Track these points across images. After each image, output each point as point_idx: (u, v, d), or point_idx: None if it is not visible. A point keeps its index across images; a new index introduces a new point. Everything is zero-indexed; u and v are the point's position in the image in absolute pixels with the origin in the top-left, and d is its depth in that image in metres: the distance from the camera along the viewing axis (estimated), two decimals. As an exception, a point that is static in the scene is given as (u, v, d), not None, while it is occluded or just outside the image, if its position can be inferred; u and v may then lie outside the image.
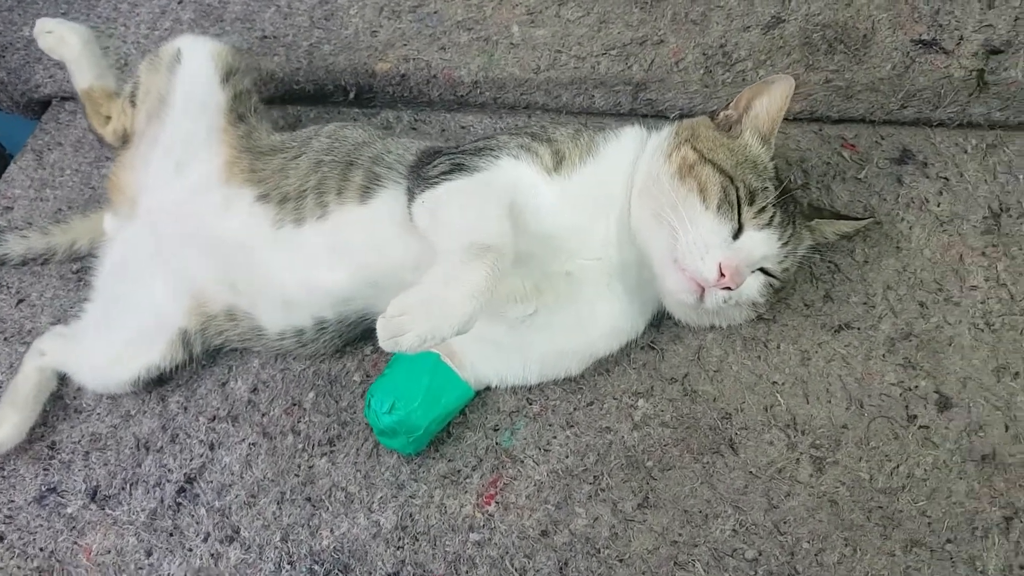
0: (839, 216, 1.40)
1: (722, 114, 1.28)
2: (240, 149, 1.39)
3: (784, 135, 1.62)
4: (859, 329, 1.34)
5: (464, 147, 1.27)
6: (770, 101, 1.24)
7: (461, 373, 1.29)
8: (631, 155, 1.26)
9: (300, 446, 1.39)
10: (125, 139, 1.62)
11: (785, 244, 1.20)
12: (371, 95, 1.74)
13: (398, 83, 1.71)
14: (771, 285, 1.23)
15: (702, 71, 1.55)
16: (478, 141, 1.36)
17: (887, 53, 1.49)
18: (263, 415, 1.45)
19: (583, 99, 1.63)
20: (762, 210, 1.18)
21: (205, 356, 1.51)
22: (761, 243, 1.17)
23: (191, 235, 1.35)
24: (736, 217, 1.15)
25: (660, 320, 1.35)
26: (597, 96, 1.66)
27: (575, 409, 1.33)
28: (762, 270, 1.20)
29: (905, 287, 1.36)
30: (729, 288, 1.13)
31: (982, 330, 1.31)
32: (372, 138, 1.47)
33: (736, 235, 1.15)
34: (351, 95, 1.74)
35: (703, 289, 1.15)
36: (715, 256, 1.12)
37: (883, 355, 1.31)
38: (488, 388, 1.34)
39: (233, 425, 1.45)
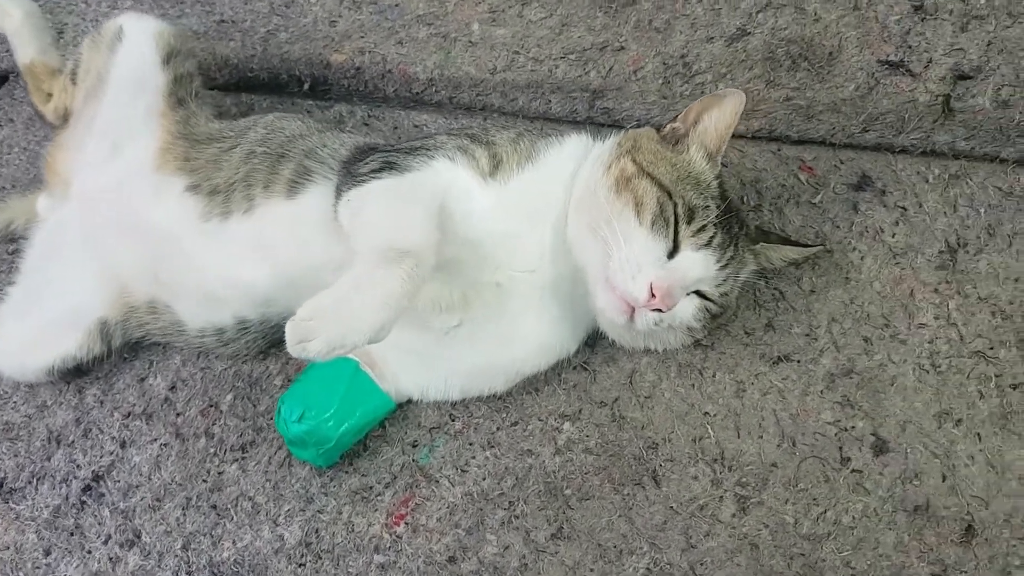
0: (787, 241, 1.28)
1: (669, 127, 1.22)
2: (176, 135, 1.34)
3: (740, 152, 1.55)
4: (799, 362, 1.27)
5: (399, 146, 1.22)
6: (720, 116, 1.18)
7: (381, 384, 1.22)
8: (572, 164, 1.20)
9: (212, 450, 1.32)
10: (65, 118, 1.57)
11: (724, 267, 1.13)
12: (326, 87, 1.68)
13: (353, 76, 1.65)
14: (707, 310, 1.16)
15: (660, 81, 1.49)
16: (415, 140, 1.29)
17: (852, 73, 1.42)
18: (178, 415, 1.39)
19: (540, 104, 1.56)
20: (701, 229, 1.11)
21: (127, 349, 1.44)
22: (697, 264, 1.10)
23: (119, 222, 1.29)
24: (672, 235, 1.09)
25: (595, 340, 1.28)
26: (554, 101, 1.58)
27: (498, 429, 1.26)
28: (699, 293, 1.14)
29: (851, 320, 1.29)
30: (660, 310, 1.07)
31: (927, 371, 1.24)
32: (309, 131, 1.40)
33: (671, 254, 1.09)
34: (305, 86, 1.68)
35: (633, 309, 1.08)
36: (647, 275, 1.06)
37: (821, 391, 1.24)
38: (410, 401, 1.27)
39: (147, 423, 1.38)
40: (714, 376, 1.28)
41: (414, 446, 1.26)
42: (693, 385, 1.27)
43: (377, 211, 1.09)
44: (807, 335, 1.29)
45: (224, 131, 1.35)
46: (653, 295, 1.05)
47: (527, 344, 1.22)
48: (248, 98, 1.71)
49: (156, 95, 1.37)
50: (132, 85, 1.37)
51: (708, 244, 1.11)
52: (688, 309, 1.14)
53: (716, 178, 1.18)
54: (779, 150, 1.49)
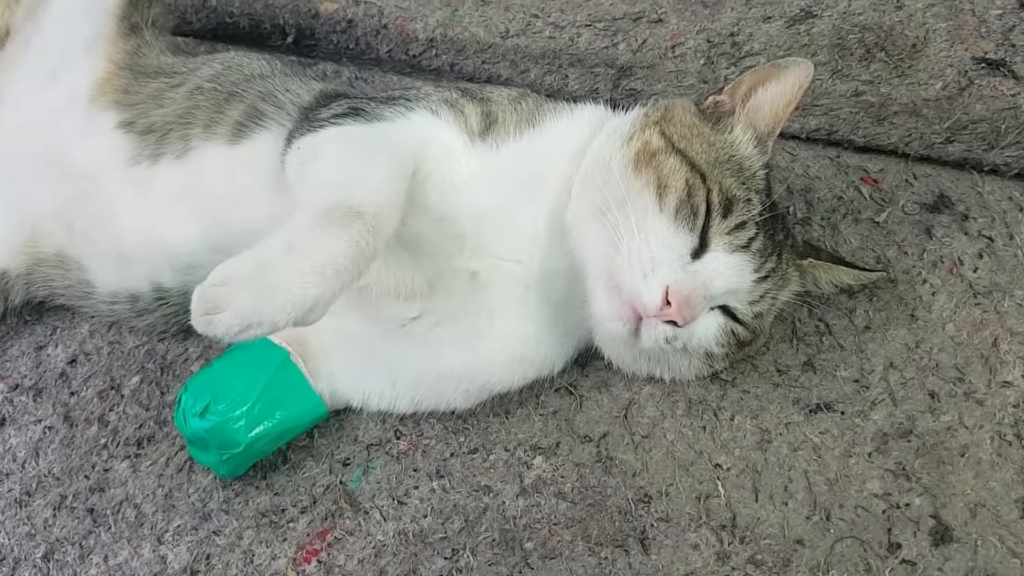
0: (841, 261, 1.05)
1: (711, 99, 1.00)
2: (122, 66, 1.16)
3: (791, 155, 1.29)
4: (843, 414, 1.03)
5: (375, 95, 1.06)
6: (778, 91, 0.96)
7: (315, 382, 1.01)
8: (583, 136, 0.99)
9: (103, 441, 1.09)
10: (3, 37, 1.32)
11: (762, 279, 0.92)
12: (312, 42, 1.48)
13: (343, 30, 1.45)
14: (734, 333, 0.94)
15: (702, 61, 1.27)
16: (394, 90, 1.08)
17: (939, 69, 1.19)
18: (72, 394, 1.14)
19: (555, 78, 1.33)
20: (739, 226, 0.90)
21: (29, 311, 1.22)
22: (729, 270, 0.89)
23: (42, 157, 1.12)
24: (700, 228, 0.88)
25: (588, 358, 1.07)
26: (572, 76, 1.33)
27: (452, 455, 1.03)
28: (725, 310, 0.93)
29: (914, 369, 1.06)
30: (675, 323, 0.86)
31: (1009, 443, 0.99)
32: (272, 72, 1.18)
33: (697, 253, 0.88)
34: (289, 38, 1.48)
35: (639, 318, 0.88)
36: (662, 276, 0.85)
37: (869, 454, 1.00)
38: (349, 409, 1.06)
39: (35, 400, 1.14)
40: (732, 420, 1.03)
41: (345, 465, 1.03)
42: (704, 428, 1.03)
43: (331, 161, 0.90)
44: (856, 381, 1.05)
45: (176, 66, 1.17)
46: (668, 302, 0.84)
47: (501, 353, 1.01)
48: (224, 48, 1.47)
49: (106, 17, 1.20)
50: (79, 2, 1.20)
51: (746, 247, 0.90)
52: (710, 328, 0.93)
53: (764, 168, 0.97)
54: (839, 156, 1.26)
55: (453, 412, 1.04)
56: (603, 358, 1.03)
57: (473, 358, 1.00)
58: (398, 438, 1.05)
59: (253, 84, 1.14)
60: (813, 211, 1.22)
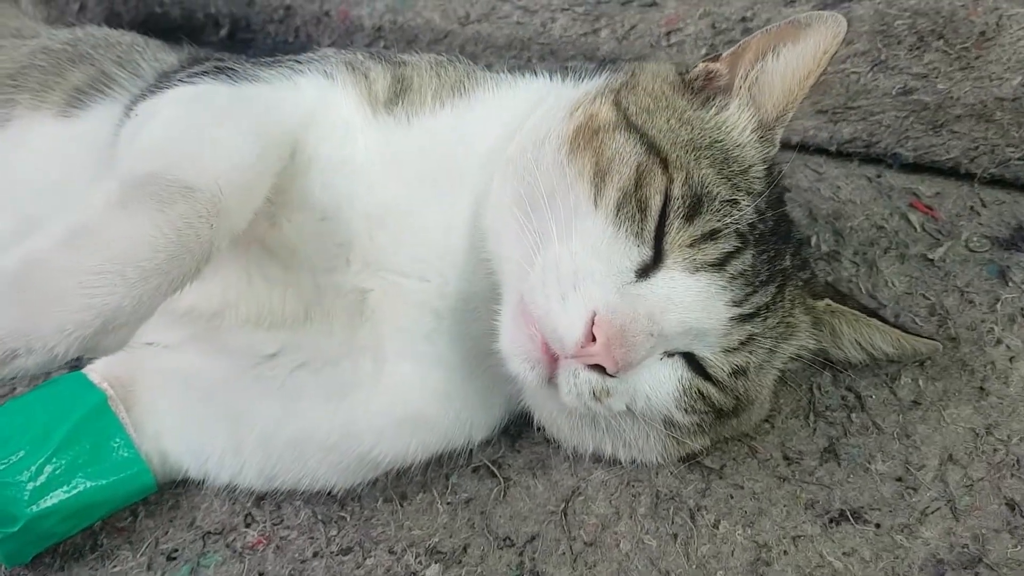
0: (874, 315, 0.77)
1: (702, 67, 0.76)
2: None
3: (816, 173, 1.00)
4: (878, 527, 0.75)
5: (257, 59, 0.82)
6: (795, 57, 0.71)
7: (140, 440, 0.77)
8: (522, 113, 0.77)
9: None
10: None
11: (745, 319, 0.67)
12: (248, 34, 1.30)
13: (281, 19, 1.27)
14: (703, 395, 0.69)
15: (704, 50, 1.04)
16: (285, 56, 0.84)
17: (1017, 61, 0.93)
18: None
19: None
20: (710, 236, 0.66)
21: None
22: (689, 297, 0.64)
23: None
24: (652, 233, 0.65)
25: (522, 428, 0.83)
26: (541, 70, 1.05)
27: (316, 555, 0.77)
28: (689, 358, 0.68)
29: (984, 465, 0.78)
30: (601, 369, 0.63)
31: None
32: (147, 46, 0.97)
33: (647, 270, 0.65)
34: (223, 30, 1.31)
35: (554, 359, 0.64)
36: (587, 297, 0.62)
37: None
38: (186, 482, 0.82)
39: None
40: (716, 527, 0.76)
41: (170, 559, 0.77)
42: (676, 537, 0.75)
43: (167, 122, 0.69)
44: (899, 480, 0.78)
45: (38, 30, 1.02)
46: (592, 337, 0.61)
47: (388, 410, 0.75)
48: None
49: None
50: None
51: (717, 266, 0.66)
52: (664, 383, 0.68)
53: (765, 164, 0.73)
54: (879, 176, 1.02)
55: (329, 493, 0.79)
56: (539, 428, 0.79)
57: (347, 416, 0.75)
58: (248, 526, 0.79)
59: (113, 50, 0.93)
60: (843, 244, 0.94)
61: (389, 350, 0.75)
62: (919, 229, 0.94)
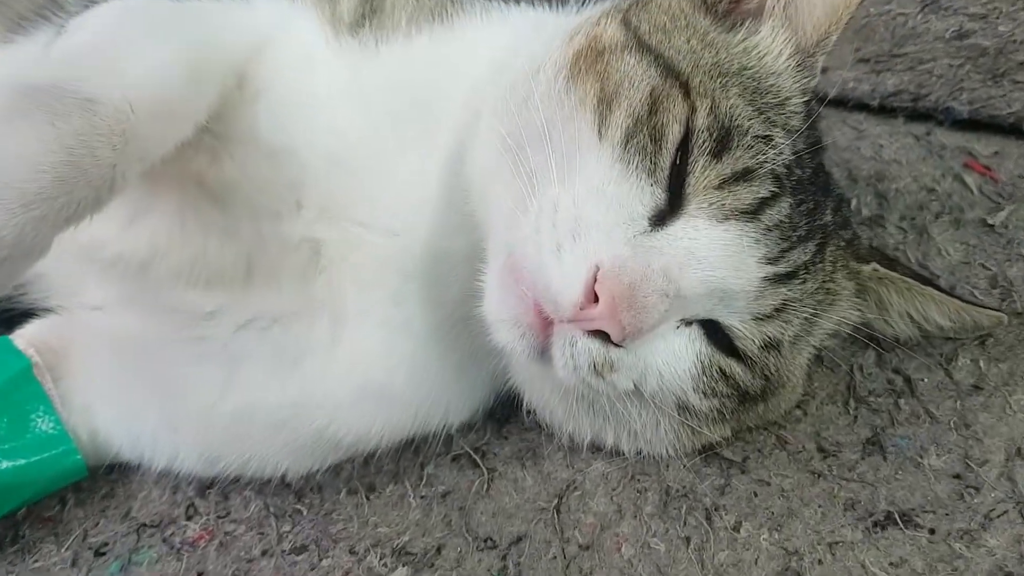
0: (928, 283, 0.66)
1: None
2: None
3: (855, 131, 0.92)
4: (932, 532, 0.62)
5: None
6: None
7: (67, 415, 0.69)
8: (515, 44, 0.67)
9: None
10: None
11: (781, 279, 0.57)
12: None
13: None
14: (726, 374, 0.59)
15: None
16: None
17: None
18: None
19: None
20: (742, 177, 0.55)
21: None
22: (715, 251, 0.54)
23: None
24: (667, 171, 0.55)
25: (511, 410, 0.72)
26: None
27: (265, 553, 0.66)
28: (709, 328, 0.58)
29: None
30: (605, 336, 0.53)
31: None
32: None
33: (662, 217, 0.55)
34: None
35: (548, 324, 0.54)
36: (590, 248, 0.53)
37: None
38: (122, 467, 0.72)
39: None
40: (737, 530, 0.64)
41: (98, 555, 0.68)
42: (688, 541, 0.64)
43: (93, 32, 0.60)
44: (957, 477, 0.66)
45: None
46: (595, 297, 0.51)
47: (345, 381, 0.66)
48: None
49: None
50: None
51: (751, 214, 0.55)
52: (680, 358, 0.58)
53: (804, 95, 0.62)
54: (929, 134, 0.90)
55: (285, 483, 0.69)
56: (530, 411, 0.70)
57: (300, 386, 0.65)
58: (189, 518, 0.69)
59: None
60: (888, 208, 0.83)
61: (348, 310, 0.65)
62: (976, 192, 0.83)
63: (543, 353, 0.54)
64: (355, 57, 0.64)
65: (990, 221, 0.80)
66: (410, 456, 0.70)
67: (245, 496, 0.69)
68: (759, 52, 0.61)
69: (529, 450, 0.70)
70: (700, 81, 0.57)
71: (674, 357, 0.57)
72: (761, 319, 0.56)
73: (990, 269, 0.76)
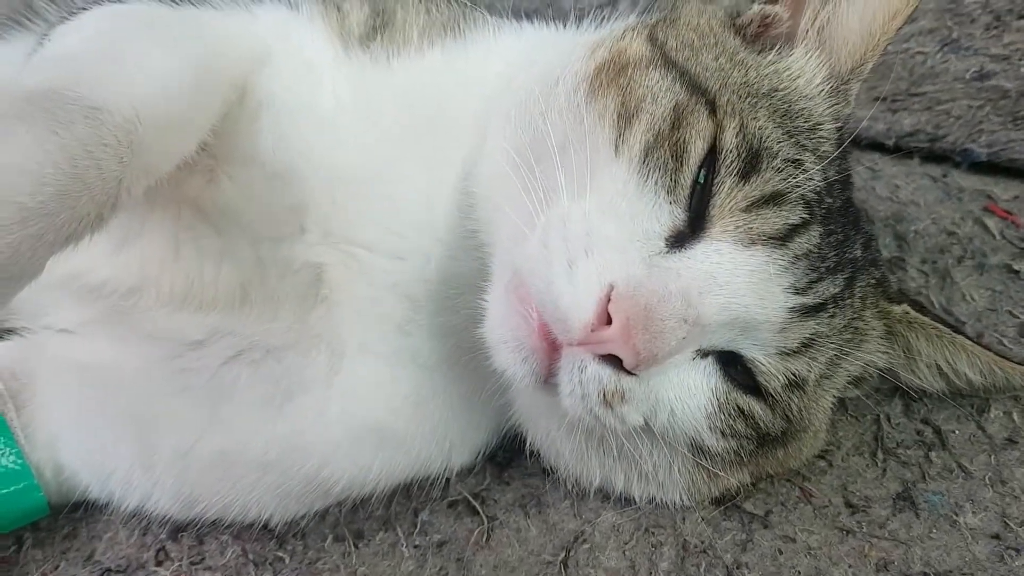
0: (957, 331, 0.60)
1: (757, 9, 0.61)
2: None
3: (870, 171, 0.86)
4: None
5: None
6: None
7: (29, 449, 0.61)
8: (528, 60, 0.62)
9: None
10: None
11: (809, 312, 0.52)
12: None
13: None
14: (746, 413, 0.53)
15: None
16: None
17: None
18: None
19: None
20: (771, 201, 0.51)
21: None
22: (742, 276, 0.49)
23: None
24: (689, 190, 0.51)
25: (512, 453, 0.66)
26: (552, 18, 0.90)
27: None
28: (729, 362, 0.53)
29: None
30: (616, 362, 0.48)
31: None
32: None
33: (682, 238, 0.51)
34: None
35: (555, 348, 0.49)
36: (603, 266, 0.48)
37: None
38: (84, 504, 0.64)
39: None
40: None
41: None
42: None
43: (88, 36, 0.55)
44: (995, 538, 0.59)
45: None
46: (608, 319, 0.46)
47: (351, 419, 0.59)
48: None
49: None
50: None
51: (781, 240, 0.51)
52: (695, 393, 0.52)
53: (837, 122, 0.58)
54: (945, 176, 0.85)
55: (266, 526, 0.62)
56: (534, 454, 0.63)
57: (292, 424, 0.59)
58: (160, 563, 0.62)
59: None
60: (908, 251, 0.77)
61: (349, 342, 0.59)
62: (998, 236, 0.78)
63: (547, 380, 0.49)
64: (365, 71, 0.60)
65: (1015, 267, 0.75)
66: (403, 501, 0.63)
67: (222, 541, 0.62)
68: (791, 74, 0.57)
69: (533, 497, 0.64)
70: (728, 100, 0.53)
71: (688, 391, 0.52)
72: (787, 354, 0.51)
73: (1018, 317, 0.71)
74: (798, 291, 0.51)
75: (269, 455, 0.57)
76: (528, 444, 0.60)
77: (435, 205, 0.59)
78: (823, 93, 0.57)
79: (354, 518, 0.63)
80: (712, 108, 0.52)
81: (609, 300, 0.46)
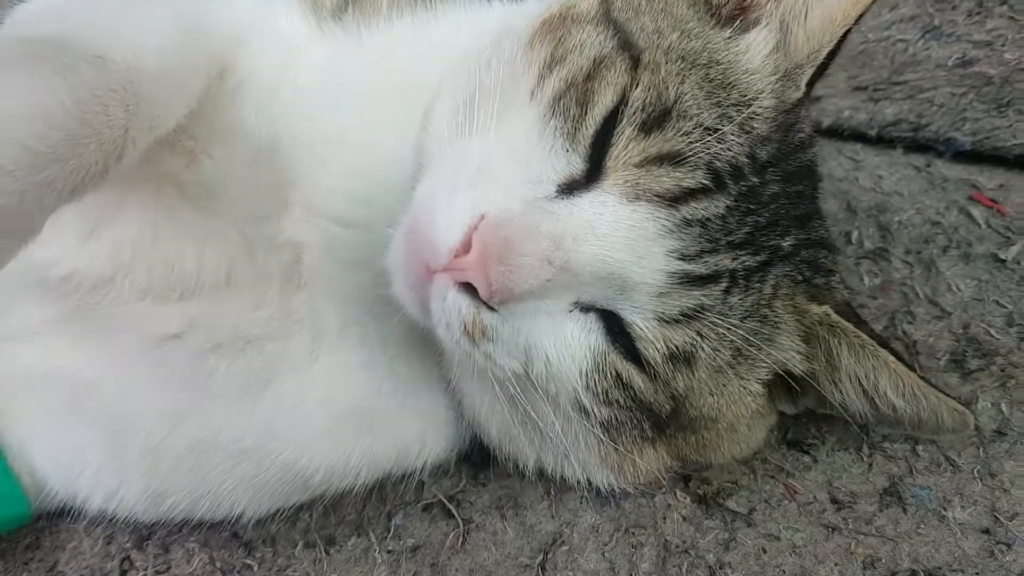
0: (884, 344, 0.54)
1: None
2: None
3: (852, 161, 0.82)
4: None
5: None
6: None
7: (11, 456, 0.58)
8: (497, 27, 0.61)
9: None
10: None
11: (696, 282, 0.50)
12: None
13: None
14: (623, 379, 0.51)
15: None
16: None
17: None
18: None
19: None
20: (669, 160, 0.50)
21: None
22: (620, 229, 0.49)
23: None
24: (587, 137, 0.50)
25: (487, 453, 0.62)
26: None
27: None
28: (609, 321, 0.51)
29: None
30: (474, 292, 0.47)
31: None
32: None
33: (572, 187, 0.50)
34: None
35: (431, 274, 0.49)
36: (484, 198, 0.48)
37: None
38: (46, 513, 0.61)
39: None
40: None
41: None
42: None
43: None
44: (985, 532, 0.58)
45: None
46: (468, 246, 0.47)
47: (331, 403, 0.57)
48: None
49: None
50: None
51: (668, 200, 0.49)
52: (570, 345, 0.51)
53: (779, 105, 0.55)
54: (929, 165, 0.83)
55: (235, 534, 0.60)
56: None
57: (269, 409, 0.56)
58: (124, 573, 0.59)
59: None
60: (892, 241, 0.75)
61: (329, 325, 0.57)
62: (984, 226, 0.76)
63: (421, 302, 0.50)
64: (338, 42, 0.60)
65: (1002, 256, 0.73)
66: (375, 504, 0.61)
67: (188, 548, 0.59)
68: (739, 49, 0.55)
69: (510, 499, 0.61)
70: (654, 59, 0.52)
71: (563, 343, 0.50)
72: (667, 322, 0.49)
73: (1005, 307, 0.69)
74: (684, 257, 0.49)
75: (244, 442, 0.55)
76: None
77: (400, 168, 0.57)
78: (767, 69, 0.55)
79: (325, 523, 0.60)
80: (635, 65, 0.51)
81: (475, 227, 0.46)
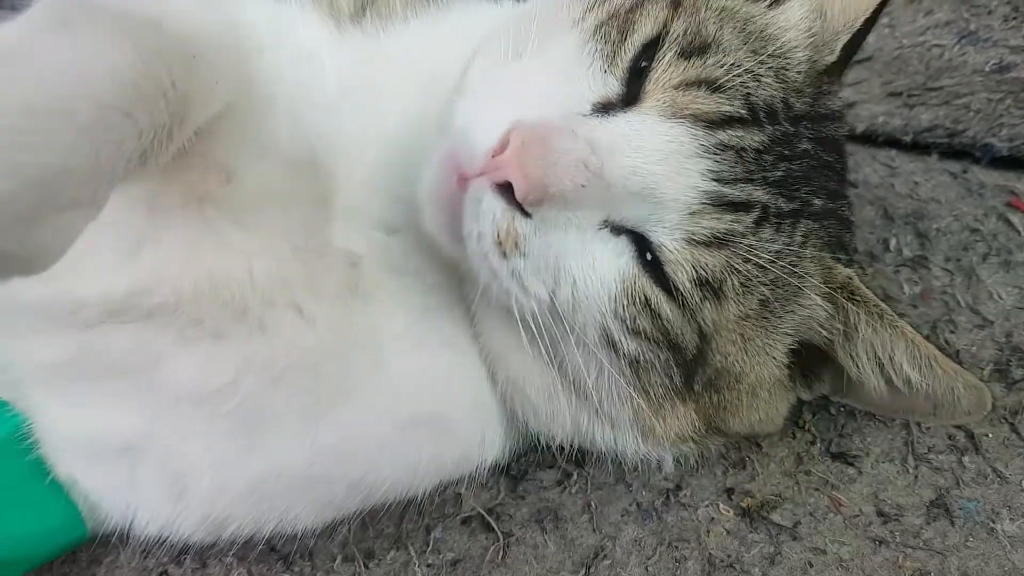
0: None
1: None
2: None
3: (887, 168, 0.80)
4: None
5: None
6: None
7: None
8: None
9: None
10: None
11: (730, 207, 0.50)
12: None
13: None
14: (651, 305, 0.50)
15: None
16: None
17: None
18: None
19: None
20: (708, 84, 0.50)
21: None
22: (655, 142, 0.48)
23: None
24: (625, 62, 0.52)
25: (527, 465, 0.63)
26: None
27: None
28: (640, 245, 0.50)
29: None
30: (510, 193, 0.47)
31: None
32: None
33: (608, 108, 0.50)
34: None
35: (464, 181, 0.49)
36: (521, 108, 0.48)
37: None
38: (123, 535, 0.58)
39: None
40: None
41: None
42: None
43: None
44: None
45: None
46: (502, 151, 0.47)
47: (399, 410, 0.56)
48: None
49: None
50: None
51: (710, 124, 0.49)
52: (600, 267, 0.50)
53: (813, 66, 0.57)
54: (965, 171, 0.82)
55: (272, 548, 0.59)
56: (550, 466, 0.62)
57: (336, 432, 0.54)
58: None
59: None
60: (931, 249, 0.73)
61: (386, 334, 0.56)
62: (1023, 232, 0.74)
63: (451, 211, 0.49)
64: (359, 45, 0.59)
65: (1041, 263, 0.72)
66: (414, 518, 0.60)
67: (226, 563, 0.58)
68: (776, 12, 0.57)
69: (549, 511, 0.60)
70: (694, 3, 0.54)
71: (592, 264, 0.49)
72: (697, 243, 0.49)
73: (1051, 319, 0.68)
74: (718, 178, 0.49)
75: (314, 469, 0.53)
76: (538, 450, 0.57)
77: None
78: (804, 29, 0.57)
79: (364, 536, 0.59)
80: (676, 5, 0.53)
81: (509, 135, 0.46)
